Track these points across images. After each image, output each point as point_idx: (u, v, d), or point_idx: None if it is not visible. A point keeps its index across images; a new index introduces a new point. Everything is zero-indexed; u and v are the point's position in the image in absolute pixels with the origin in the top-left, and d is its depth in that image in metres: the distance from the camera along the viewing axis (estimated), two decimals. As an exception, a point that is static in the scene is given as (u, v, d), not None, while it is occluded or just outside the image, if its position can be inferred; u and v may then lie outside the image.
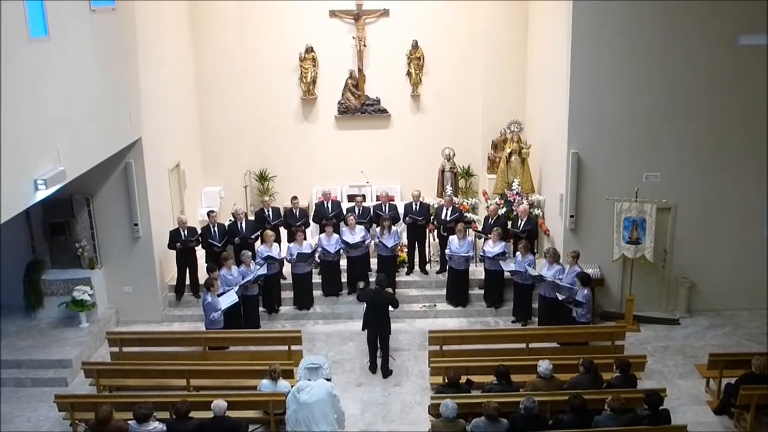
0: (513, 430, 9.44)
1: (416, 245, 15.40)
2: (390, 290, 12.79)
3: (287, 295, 14.91)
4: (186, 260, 14.70)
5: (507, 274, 14.15)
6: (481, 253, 14.35)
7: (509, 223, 14.84)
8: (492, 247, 14.01)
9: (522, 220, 14.50)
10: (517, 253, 13.91)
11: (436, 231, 15.33)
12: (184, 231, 14.46)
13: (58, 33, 10.18)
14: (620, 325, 13.37)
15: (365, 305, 12.54)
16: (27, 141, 9.32)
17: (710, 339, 13.64)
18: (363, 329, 12.61)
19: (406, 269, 15.51)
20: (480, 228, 15.00)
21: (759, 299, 14.25)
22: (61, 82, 10.36)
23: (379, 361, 12.58)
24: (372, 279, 13.98)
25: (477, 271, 14.95)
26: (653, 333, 13.90)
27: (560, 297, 12.93)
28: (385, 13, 17.48)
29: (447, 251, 14.44)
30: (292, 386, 10.62)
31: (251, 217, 15.52)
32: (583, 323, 12.72)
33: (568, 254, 13.39)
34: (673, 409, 10.62)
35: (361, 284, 13.95)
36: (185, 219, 14.71)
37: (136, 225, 14.02)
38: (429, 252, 15.67)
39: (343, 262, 14.97)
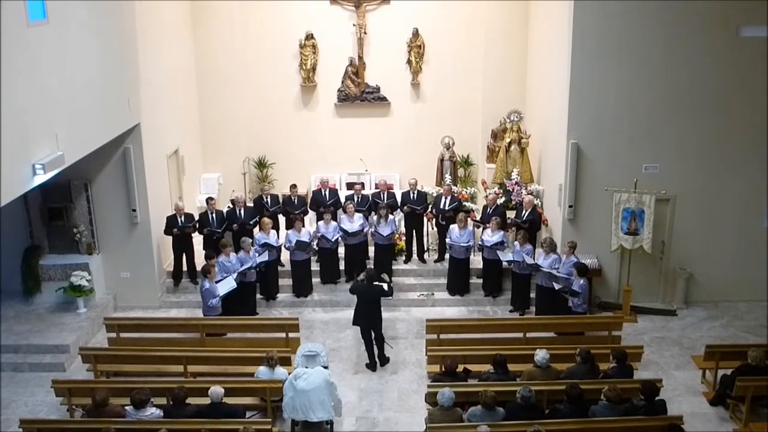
0: (509, 419, 9.47)
1: (414, 234, 15.39)
2: (385, 278, 12.63)
3: (285, 282, 14.92)
4: (182, 246, 14.70)
5: (505, 264, 14.15)
6: (480, 243, 14.35)
7: (514, 213, 14.82)
8: (490, 236, 14.01)
9: (526, 210, 14.45)
10: (515, 243, 13.91)
11: (434, 220, 15.32)
12: (181, 217, 14.44)
13: (57, 17, 10.11)
14: (617, 315, 13.41)
15: (357, 298, 12.50)
16: (25, 125, 9.27)
17: (707, 330, 13.67)
18: (354, 324, 12.53)
19: (404, 258, 15.51)
20: (479, 217, 15.00)
21: (756, 291, 14.28)
22: (59, 66, 10.31)
23: (375, 350, 12.58)
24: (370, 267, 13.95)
25: (475, 260, 14.95)
26: (650, 324, 13.93)
27: (557, 287, 12.95)
28: (386, 0, 17.40)
29: (447, 240, 14.44)
30: (289, 373, 10.66)
31: (249, 204, 15.49)
32: (579, 313, 12.75)
33: (566, 244, 13.40)
34: (669, 399, 10.66)
35: (362, 276, 13.85)
36: (182, 205, 14.68)
37: (134, 211, 14.01)
38: (427, 241, 15.67)
39: (341, 250, 14.97)
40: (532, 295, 14.05)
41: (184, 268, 14.90)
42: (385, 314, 12.69)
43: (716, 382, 11.50)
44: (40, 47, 9.71)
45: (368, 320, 12.33)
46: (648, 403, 9.66)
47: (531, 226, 14.39)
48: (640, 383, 9.98)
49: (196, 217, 14.86)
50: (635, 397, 9.90)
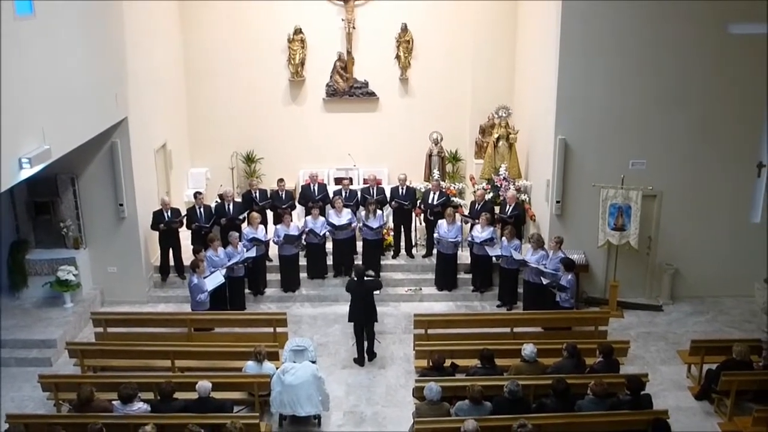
0: (497, 413, 9.51)
1: (402, 229, 15.41)
2: (371, 273, 12.72)
3: (273, 277, 14.90)
4: (169, 241, 14.64)
5: (494, 259, 14.19)
6: (469, 239, 14.38)
7: (497, 208, 14.86)
8: (480, 232, 14.05)
9: (510, 205, 14.51)
10: (503, 238, 13.95)
11: (422, 215, 15.34)
12: (167, 212, 14.40)
13: (44, 11, 10.06)
14: (604, 310, 13.49)
15: (351, 296, 12.51)
16: (12, 119, 9.21)
17: (692, 325, 13.77)
18: (349, 321, 12.57)
19: (392, 253, 15.53)
20: (466, 212, 15.03)
21: (741, 286, 14.33)
22: (46, 60, 10.25)
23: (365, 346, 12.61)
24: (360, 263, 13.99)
25: (463, 256, 14.98)
26: (636, 319, 14.01)
27: (545, 281, 13.01)
28: (375, -5, 17.40)
29: (435, 235, 14.47)
30: (277, 368, 10.67)
31: (238, 199, 15.46)
32: (566, 308, 12.80)
33: (552, 240, 13.46)
34: (655, 394, 10.73)
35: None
36: (168, 200, 14.65)
37: (121, 205, 13.96)
38: (415, 236, 15.69)
39: (329, 245, 14.97)
40: (520, 290, 14.10)
41: (171, 263, 14.87)
42: (374, 309, 12.72)
43: (701, 376, 11.59)
44: (27, 41, 9.66)
45: (364, 316, 12.35)
46: (634, 397, 9.72)
47: (515, 221, 14.45)
48: (626, 378, 10.07)
49: (183, 212, 14.83)
50: (621, 391, 9.97)
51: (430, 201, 15.04)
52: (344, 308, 12.77)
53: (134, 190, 14.01)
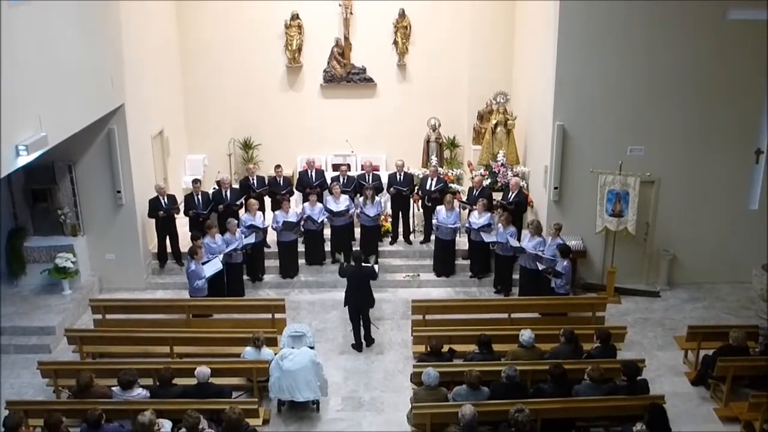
0: (494, 398, 9.55)
1: (400, 215, 15.42)
2: (372, 260, 12.75)
3: (271, 263, 14.92)
4: (166, 228, 14.65)
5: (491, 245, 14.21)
6: (467, 225, 14.38)
7: (500, 195, 14.86)
8: (477, 218, 14.06)
9: (513, 192, 14.50)
10: (499, 225, 13.95)
11: (420, 201, 15.34)
12: (163, 198, 14.39)
13: (40, -3, 10.02)
14: (601, 296, 13.51)
15: (347, 281, 12.53)
16: (8, 106, 9.17)
17: (689, 311, 13.80)
18: (345, 305, 12.60)
19: (390, 239, 15.54)
20: (464, 198, 15.03)
21: (739, 273, 14.38)
22: (42, 46, 10.20)
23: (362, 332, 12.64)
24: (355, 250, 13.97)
25: (461, 242, 14.99)
26: (634, 305, 14.05)
27: (540, 267, 13.02)
28: (372, -20, 17.30)
29: (434, 221, 14.47)
30: (275, 354, 10.70)
31: (235, 186, 15.44)
32: (561, 294, 12.81)
33: (551, 227, 13.47)
34: (652, 379, 10.78)
35: (341, 258, 13.96)
36: (165, 186, 14.63)
37: (119, 192, 13.94)
38: (413, 222, 15.70)
39: (327, 232, 14.97)
40: (516, 276, 14.12)
41: (169, 249, 14.87)
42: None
43: (698, 362, 11.62)
44: (22, 27, 9.59)
45: (358, 301, 12.38)
46: (630, 382, 9.76)
47: (517, 208, 14.45)
48: (623, 363, 10.10)
49: (179, 198, 14.81)
50: (618, 376, 10.01)
51: (427, 187, 15.04)
52: (342, 294, 12.77)
53: (132, 177, 13.99)
